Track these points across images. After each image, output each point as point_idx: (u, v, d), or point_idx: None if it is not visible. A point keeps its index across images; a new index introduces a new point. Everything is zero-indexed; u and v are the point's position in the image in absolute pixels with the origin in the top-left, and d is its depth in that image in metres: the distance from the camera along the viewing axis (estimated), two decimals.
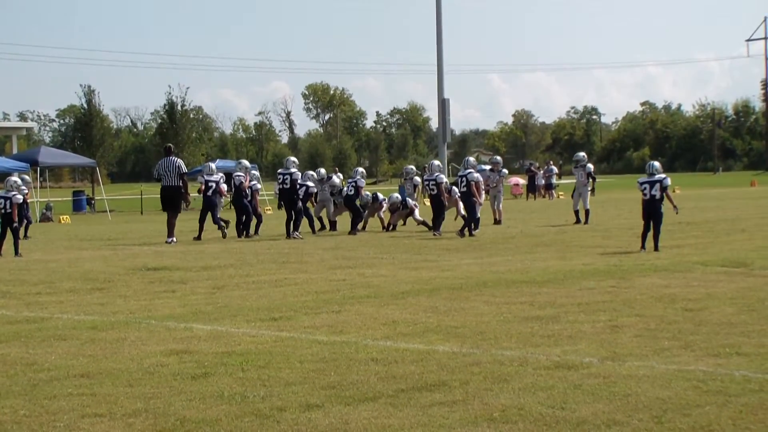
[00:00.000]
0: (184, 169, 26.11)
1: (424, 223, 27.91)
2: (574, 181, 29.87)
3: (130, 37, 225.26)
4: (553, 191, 56.08)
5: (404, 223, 29.04)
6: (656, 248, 19.31)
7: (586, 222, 28.13)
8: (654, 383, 8.03)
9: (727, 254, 18.33)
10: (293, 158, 28.11)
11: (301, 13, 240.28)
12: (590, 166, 29.46)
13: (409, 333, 10.71)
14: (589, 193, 28.95)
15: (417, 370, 8.75)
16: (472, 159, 27.03)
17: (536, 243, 22.26)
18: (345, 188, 28.60)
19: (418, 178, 30.65)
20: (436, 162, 28.49)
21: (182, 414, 7.42)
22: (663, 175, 19.81)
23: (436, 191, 26.07)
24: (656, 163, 20.47)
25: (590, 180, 29.00)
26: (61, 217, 42.43)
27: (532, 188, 57.24)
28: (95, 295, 14.68)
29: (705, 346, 9.59)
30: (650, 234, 19.50)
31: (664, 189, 19.69)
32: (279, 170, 27.65)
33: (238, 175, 27.15)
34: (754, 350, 9.32)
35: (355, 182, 27.89)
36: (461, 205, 26.48)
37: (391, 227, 28.14)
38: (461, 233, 24.42)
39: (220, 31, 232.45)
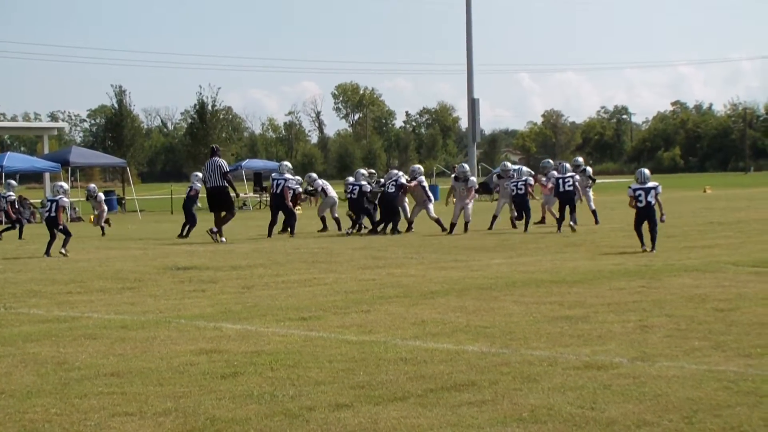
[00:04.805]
0: (226, 168, 26.45)
1: (437, 221, 27.55)
2: (607, 180, 30.37)
3: (161, 37, 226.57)
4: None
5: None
6: (653, 248, 19.39)
7: (596, 222, 28.63)
8: (684, 384, 8.00)
9: (759, 254, 18.23)
10: (363, 171, 29.61)
11: (330, 14, 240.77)
12: (589, 169, 31.43)
13: (438, 333, 10.71)
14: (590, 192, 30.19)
15: (446, 369, 8.75)
16: (526, 168, 28.29)
17: (566, 243, 22.20)
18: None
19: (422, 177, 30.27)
20: (528, 167, 29.29)
21: (212, 413, 7.45)
22: (655, 183, 20.04)
23: (523, 191, 27.43)
24: (646, 171, 20.82)
25: (590, 181, 30.62)
26: (91, 217, 42.66)
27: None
28: (125, 295, 14.76)
29: (736, 346, 9.54)
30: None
31: (657, 195, 19.89)
32: (349, 180, 29.06)
33: (284, 178, 27.76)
34: None
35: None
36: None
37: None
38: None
39: (250, 32, 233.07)
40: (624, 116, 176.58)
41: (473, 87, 59.36)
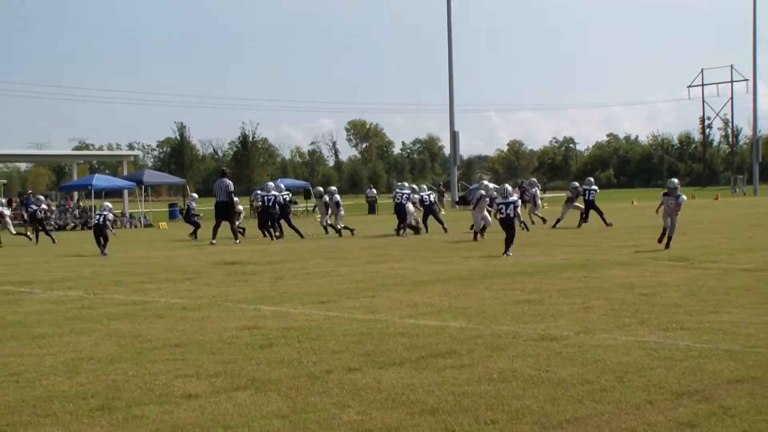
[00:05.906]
0: (231, 188, 26.17)
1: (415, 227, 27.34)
2: (558, 195, 30.45)
3: (213, 84, 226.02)
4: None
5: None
6: (506, 253, 18.49)
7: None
8: (617, 351, 7.99)
9: (674, 252, 18.20)
10: (271, 183, 28.82)
11: (343, 65, 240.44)
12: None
13: (428, 312, 10.70)
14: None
15: (434, 341, 8.74)
16: (509, 187, 27.96)
17: (526, 243, 22.13)
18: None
19: (338, 197, 29.41)
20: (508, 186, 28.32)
21: (252, 375, 7.44)
22: (515, 197, 19.57)
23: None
24: (509, 187, 20.08)
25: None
26: (159, 224, 42.64)
27: (522, 201, 56.99)
28: (186, 284, 14.74)
29: (656, 322, 9.53)
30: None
31: (516, 208, 19.28)
32: (259, 192, 29.06)
33: (273, 195, 27.15)
34: (695, 325, 9.26)
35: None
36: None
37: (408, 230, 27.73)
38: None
39: (281, 80, 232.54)
40: (570, 145, 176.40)
41: (454, 122, 59.31)
